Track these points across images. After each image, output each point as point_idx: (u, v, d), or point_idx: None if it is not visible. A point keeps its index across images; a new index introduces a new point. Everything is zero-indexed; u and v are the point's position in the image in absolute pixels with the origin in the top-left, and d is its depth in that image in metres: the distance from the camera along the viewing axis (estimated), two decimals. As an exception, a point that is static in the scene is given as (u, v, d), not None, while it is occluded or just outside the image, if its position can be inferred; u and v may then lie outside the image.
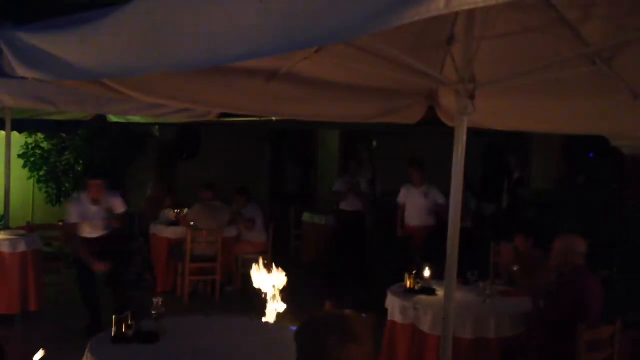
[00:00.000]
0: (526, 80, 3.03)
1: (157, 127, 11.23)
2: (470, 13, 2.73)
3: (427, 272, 4.53)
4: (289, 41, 1.71)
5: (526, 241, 4.85)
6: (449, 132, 3.00)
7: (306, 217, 10.13)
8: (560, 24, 2.74)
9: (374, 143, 13.13)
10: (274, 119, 7.59)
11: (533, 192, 9.29)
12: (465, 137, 2.87)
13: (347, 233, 8.74)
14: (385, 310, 4.39)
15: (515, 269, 4.67)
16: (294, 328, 1.90)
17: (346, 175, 9.03)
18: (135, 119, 7.78)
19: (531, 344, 4.06)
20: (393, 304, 4.32)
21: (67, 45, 2.45)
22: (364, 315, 3.49)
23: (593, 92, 3.25)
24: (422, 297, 4.32)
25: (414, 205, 7.23)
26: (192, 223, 7.33)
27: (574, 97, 3.39)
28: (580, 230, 4.58)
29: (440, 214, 6.92)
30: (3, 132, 9.19)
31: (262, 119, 7.84)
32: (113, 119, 8.05)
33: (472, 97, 2.80)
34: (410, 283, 4.46)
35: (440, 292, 4.33)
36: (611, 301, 4.08)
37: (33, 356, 2.48)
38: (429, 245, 6.83)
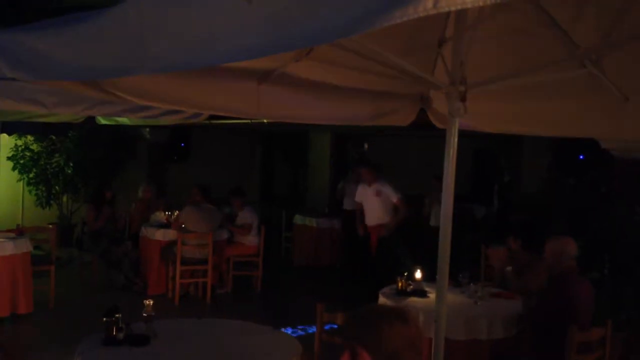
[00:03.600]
0: (516, 82, 3.04)
1: (147, 129, 11.20)
2: (461, 15, 2.74)
3: (418, 274, 4.53)
4: (278, 42, 1.70)
5: (516, 243, 4.87)
6: (440, 135, 3.00)
7: (297, 219, 10.12)
8: (550, 26, 2.75)
9: (365, 145, 13.15)
10: (265, 121, 7.59)
11: (523, 194, 9.34)
12: (456, 140, 2.87)
13: (353, 231, 8.75)
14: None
15: (509, 269, 4.68)
16: (288, 330, 1.93)
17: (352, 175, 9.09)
18: (124, 121, 7.74)
19: (523, 345, 4.07)
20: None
21: (55, 46, 2.44)
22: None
23: (583, 94, 3.26)
24: (414, 299, 4.32)
25: (367, 204, 7.16)
26: (182, 225, 7.30)
27: (564, 100, 3.40)
28: (570, 232, 4.60)
29: (399, 212, 6.91)
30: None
31: (253, 121, 7.82)
32: (102, 121, 8.00)
33: (463, 99, 2.80)
34: (402, 285, 4.46)
35: (431, 294, 4.33)
36: (601, 302, 4.10)
37: (22, 358, 2.45)
38: (384, 243, 6.82)
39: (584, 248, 4.10)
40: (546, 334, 3.88)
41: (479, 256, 6.03)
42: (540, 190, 8.89)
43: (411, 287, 4.45)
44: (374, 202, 6.96)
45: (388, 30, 1.47)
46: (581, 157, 9.17)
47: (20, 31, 2.62)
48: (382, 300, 4.37)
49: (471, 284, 4.45)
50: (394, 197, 6.91)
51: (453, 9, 1.42)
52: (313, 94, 3.64)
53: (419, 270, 4.52)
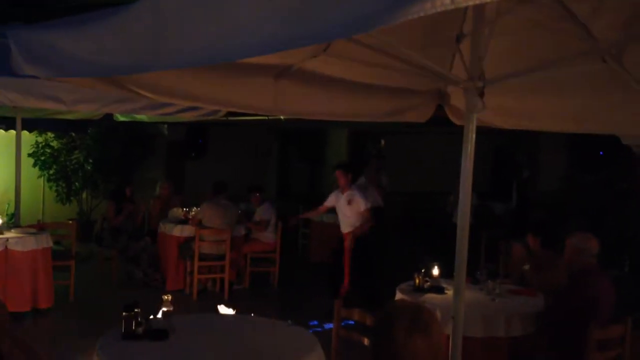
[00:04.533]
0: (535, 77, 3.01)
1: (165, 126, 11.28)
2: (479, 10, 2.72)
3: (435, 271, 4.51)
4: (296, 37, 1.70)
5: (535, 240, 4.83)
6: (459, 132, 2.98)
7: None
8: (569, 20, 2.72)
9: (382, 142, 13.12)
10: (282, 117, 7.60)
11: (541, 191, 9.27)
12: (474, 136, 2.85)
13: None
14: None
15: (527, 267, 4.64)
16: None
17: (366, 169, 9.02)
18: (142, 117, 7.81)
19: (541, 343, 4.04)
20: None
21: (74, 43, 2.47)
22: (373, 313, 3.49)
23: (603, 89, 3.23)
24: (431, 296, 4.31)
25: (340, 211, 6.89)
26: (200, 222, 7.36)
27: (584, 95, 3.36)
28: (588, 228, 4.55)
29: (363, 223, 6.66)
30: (13, 131, 9.25)
31: (270, 117, 7.86)
32: (120, 118, 8.08)
33: (481, 94, 2.78)
34: (419, 281, 4.44)
35: (449, 291, 4.31)
36: (621, 300, 4.05)
37: (46, 352, 2.49)
38: (356, 250, 6.60)
39: (603, 245, 4.05)
40: (565, 332, 3.84)
41: (497, 253, 5.99)
42: (558, 187, 8.81)
43: (428, 283, 4.44)
44: (347, 210, 6.74)
45: (405, 26, 1.46)
46: (601, 153, 9.07)
47: (41, 29, 2.66)
48: (399, 296, 4.36)
49: (489, 281, 4.41)
50: (362, 206, 6.67)
51: (471, 3, 1.41)
52: (330, 90, 3.64)
53: (436, 267, 4.49)
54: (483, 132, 2.87)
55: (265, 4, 1.76)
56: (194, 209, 7.81)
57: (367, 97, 3.80)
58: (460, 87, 2.97)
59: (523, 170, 10.65)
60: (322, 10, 1.61)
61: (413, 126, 4.86)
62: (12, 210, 7.82)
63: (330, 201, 7.07)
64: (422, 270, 4.47)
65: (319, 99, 3.75)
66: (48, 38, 2.57)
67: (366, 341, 3.58)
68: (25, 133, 8.99)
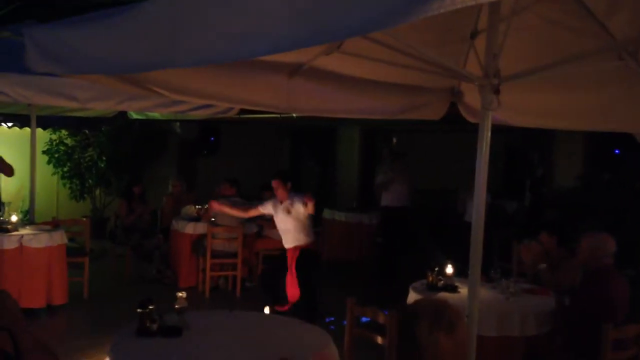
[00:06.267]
0: (551, 74, 2.98)
1: (178, 123, 11.32)
2: (495, 6, 2.70)
3: (449, 269, 4.49)
4: (311, 35, 1.70)
5: (551, 239, 4.79)
6: (471, 129, 2.97)
7: (326, 213, 10.12)
8: (585, 17, 2.69)
9: (394, 140, 13.08)
10: (294, 115, 7.60)
11: (556, 190, 9.19)
12: (489, 134, 2.83)
13: (394, 230, 8.64)
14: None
15: (542, 266, 4.60)
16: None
17: (383, 165, 8.97)
18: (155, 115, 7.84)
19: (556, 342, 4.01)
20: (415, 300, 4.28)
21: (88, 41, 2.48)
22: (386, 311, 3.48)
23: (619, 87, 3.20)
24: (444, 295, 4.28)
25: (279, 224, 6.01)
26: (213, 219, 7.38)
27: (600, 93, 3.33)
28: (605, 228, 4.51)
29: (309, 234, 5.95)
30: (28, 129, 9.33)
31: (282, 115, 7.85)
32: (134, 115, 8.12)
33: (497, 92, 2.76)
34: (432, 280, 4.43)
35: (462, 290, 4.29)
36: (637, 300, 4.02)
37: (60, 348, 2.50)
38: (300, 266, 5.82)
39: (619, 245, 4.01)
40: (581, 331, 3.81)
41: (510, 252, 5.95)
42: (573, 186, 8.73)
43: (442, 282, 4.42)
44: (287, 222, 5.88)
45: (418, 23, 1.45)
46: (616, 151, 8.99)
47: (56, 27, 2.67)
48: (412, 295, 4.35)
49: (503, 280, 4.39)
50: (303, 209, 5.78)
51: (488, 0, 1.40)
52: (343, 87, 3.63)
53: (449, 265, 4.47)
54: (495, 130, 2.85)
55: (281, 2, 1.76)
56: (207, 206, 7.82)
57: (381, 94, 3.79)
58: (474, 85, 2.95)
59: (536, 168, 10.57)
60: (338, 7, 1.60)
61: (425, 124, 4.81)
62: (26, 207, 7.89)
63: (266, 208, 6.14)
64: (436, 269, 4.45)
65: (332, 97, 3.75)
66: (63, 36, 2.59)
67: (379, 339, 3.57)
68: (39, 130, 9.04)
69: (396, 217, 8.58)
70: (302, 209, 5.79)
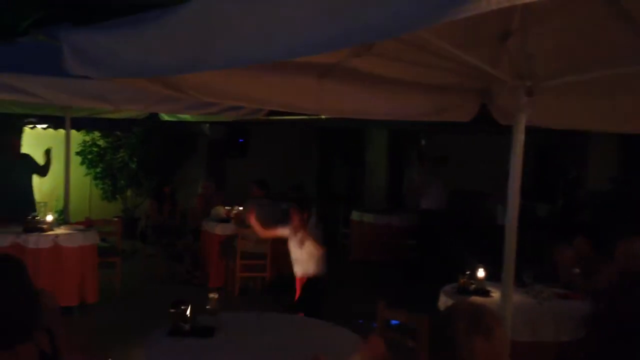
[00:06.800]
0: (586, 76, 2.93)
1: (207, 125, 11.42)
2: (528, 6, 2.65)
3: (481, 273, 4.43)
4: (343, 37, 1.69)
5: (586, 243, 4.70)
6: (501, 131, 2.93)
7: (355, 215, 10.12)
8: (621, 18, 2.63)
9: (423, 142, 13.00)
10: (322, 117, 7.60)
11: (590, 192, 9.01)
12: (523, 136, 2.80)
13: (431, 233, 8.64)
14: (438, 311, 4.33)
15: (576, 271, 4.52)
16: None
17: (413, 167, 8.94)
18: (185, 117, 7.92)
19: (591, 348, 3.93)
20: (446, 304, 4.25)
21: (123, 44, 2.52)
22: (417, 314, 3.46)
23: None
24: (476, 299, 4.24)
25: (292, 252, 5.72)
26: (242, 220, 7.43)
27: (636, 95, 3.26)
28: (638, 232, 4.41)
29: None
30: (62, 130, 9.52)
31: (311, 117, 7.87)
32: (165, 117, 8.22)
33: (530, 94, 2.72)
34: (464, 283, 4.38)
35: (494, 294, 4.24)
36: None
37: (91, 347, 2.54)
38: (305, 294, 5.63)
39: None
40: (617, 337, 3.73)
41: (542, 255, 5.85)
42: (608, 189, 8.55)
43: (473, 285, 4.37)
44: (298, 253, 5.70)
45: (449, 23, 1.44)
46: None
47: (92, 30, 2.72)
48: (443, 299, 4.31)
49: (536, 284, 4.32)
50: (316, 250, 5.51)
51: (527, 0, 1.38)
52: (374, 89, 3.62)
53: (481, 269, 4.42)
54: (526, 131, 2.81)
55: (312, 4, 1.76)
56: (236, 207, 7.88)
57: (411, 95, 3.77)
58: (506, 86, 2.91)
59: (569, 170, 10.39)
60: (371, 8, 1.59)
61: (454, 125, 4.74)
62: (60, 206, 8.05)
63: (284, 231, 5.83)
64: (467, 272, 4.41)
65: (362, 98, 3.73)
66: (99, 39, 2.63)
67: (410, 342, 3.55)
68: (73, 132, 9.22)
69: (434, 220, 8.56)
70: (315, 250, 5.50)
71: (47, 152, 7.13)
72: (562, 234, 6.26)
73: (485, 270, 4.44)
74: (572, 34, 2.90)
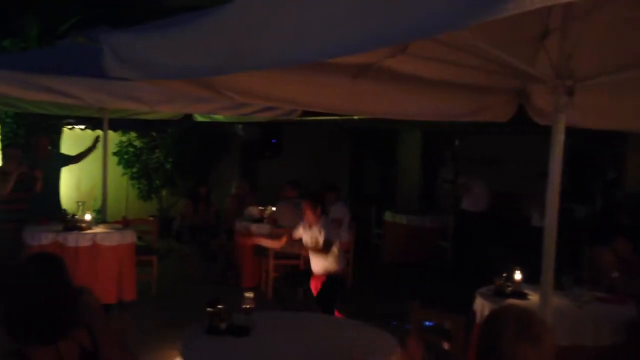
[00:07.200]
0: (627, 75, 2.86)
1: (240, 126, 11.51)
2: (568, 4, 2.60)
3: (518, 275, 4.36)
4: (379, 37, 1.68)
5: (626, 245, 4.58)
6: (537, 132, 2.88)
7: (387, 216, 10.08)
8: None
9: (456, 143, 12.87)
10: (355, 117, 7.59)
11: (630, 193, 8.80)
12: (562, 136, 2.75)
13: (466, 234, 8.61)
14: (474, 313, 4.28)
15: (616, 275, 4.41)
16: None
17: (446, 168, 8.89)
18: (219, 118, 7.99)
19: (632, 352, 3.83)
20: (482, 307, 4.19)
21: (160, 46, 2.55)
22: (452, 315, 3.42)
23: None
24: (513, 301, 4.17)
25: (308, 247, 5.74)
26: (276, 221, 7.46)
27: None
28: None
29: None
30: (99, 131, 9.71)
31: (343, 117, 7.86)
32: (199, 118, 8.31)
33: (570, 93, 2.67)
34: (500, 286, 4.31)
35: (532, 297, 4.16)
36: None
37: (131, 344, 2.58)
38: (324, 292, 5.57)
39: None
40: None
41: (581, 258, 5.75)
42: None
43: (510, 288, 4.29)
44: (314, 242, 5.64)
45: (487, 22, 1.42)
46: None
47: (131, 32, 2.76)
48: (479, 301, 4.26)
49: (575, 287, 4.22)
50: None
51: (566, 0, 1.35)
52: (409, 89, 3.59)
53: (518, 271, 4.35)
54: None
55: (347, 5, 1.75)
56: (269, 207, 7.92)
57: (447, 96, 3.74)
58: (544, 86, 2.86)
59: (608, 171, 10.16)
60: (408, 9, 1.58)
61: (488, 126, 4.68)
62: (98, 206, 8.20)
63: (298, 233, 5.89)
64: (504, 274, 4.34)
65: (397, 99, 3.71)
66: (138, 42, 2.67)
67: (446, 345, 3.52)
68: (110, 132, 9.41)
69: (471, 221, 8.50)
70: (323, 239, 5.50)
71: (96, 140, 7.27)
72: (601, 235, 6.13)
73: (522, 272, 4.36)
74: (612, 33, 2.84)
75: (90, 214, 6.60)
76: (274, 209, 7.81)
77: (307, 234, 5.73)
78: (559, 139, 2.73)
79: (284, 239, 6.05)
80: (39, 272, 2.12)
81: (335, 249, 5.63)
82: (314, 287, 5.74)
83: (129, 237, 6.50)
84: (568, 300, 4.17)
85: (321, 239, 5.55)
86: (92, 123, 10.25)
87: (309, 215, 5.65)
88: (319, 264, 5.70)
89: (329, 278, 5.62)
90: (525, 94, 3.86)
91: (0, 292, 2.03)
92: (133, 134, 10.98)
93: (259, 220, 7.86)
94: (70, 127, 10.21)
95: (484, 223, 8.58)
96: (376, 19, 1.66)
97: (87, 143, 7.83)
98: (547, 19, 3.05)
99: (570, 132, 2.79)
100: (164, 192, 11.29)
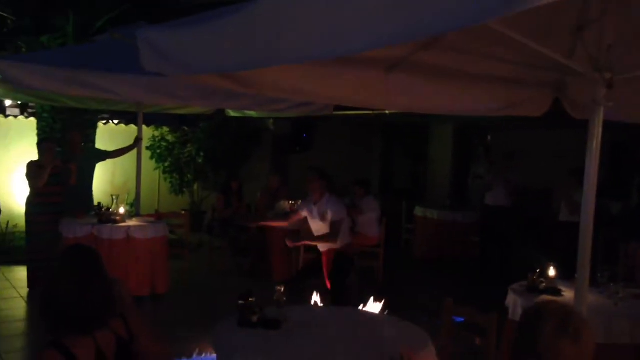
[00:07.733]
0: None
1: (271, 120, 11.57)
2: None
3: (552, 271, 4.30)
4: (411, 29, 1.67)
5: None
6: (571, 126, 2.82)
7: (418, 211, 10.03)
8: None
9: (489, 138, 12.71)
10: (386, 112, 7.54)
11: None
12: (600, 130, 2.69)
13: (495, 230, 8.56)
14: (506, 309, 4.23)
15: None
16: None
17: (479, 163, 8.84)
18: (252, 113, 8.03)
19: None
20: (514, 303, 4.15)
21: (196, 42, 2.57)
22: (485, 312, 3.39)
23: None
24: (546, 297, 4.11)
25: (313, 225, 5.78)
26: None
27: None
28: None
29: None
30: (133, 126, 9.87)
31: (375, 112, 7.82)
32: (231, 113, 8.37)
33: (610, 86, 2.62)
34: (534, 282, 4.25)
35: (566, 293, 4.10)
36: None
37: (164, 336, 2.63)
38: (334, 271, 5.61)
39: None
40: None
41: (617, 254, 5.64)
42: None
43: (543, 284, 4.23)
44: (319, 225, 5.62)
45: (522, 13, 1.40)
46: None
47: (167, 28, 2.79)
48: (511, 297, 4.21)
49: (611, 284, 4.14)
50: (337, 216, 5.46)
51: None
52: (442, 83, 3.56)
53: (552, 267, 4.28)
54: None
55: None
56: (299, 201, 7.93)
57: (481, 90, 3.69)
58: (582, 79, 2.81)
59: (645, 166, 9.95)
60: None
61: (521, 120, 4.58)
62: (132, 199, 8.34)
63: (303, 211, 5.87)
64: (537, 271, 4.28)
65: (430, 93, 3.68)
66: (173, 37, 2.70)
67: (478, 340, 3.49)
68: (143, 127, 9.55)
69: (497, 216, 8.42)
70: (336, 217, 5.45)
71: (137, 140, 7.37)
72: (636, 232, 6.00)
73: (555, 268, 4.30)
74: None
75: (124, 208, 6.72)
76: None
77: (313, 214, 5.67)
78: (597, 132, 2.68)
79: (291, 219, 6.12)
80: (76, 265, 2.18)
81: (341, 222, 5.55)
82: (324, 261, 5.72)
83: (162, 230, 6.60)
84: (603, 297, 4.09)
85: (328, 220, 5.51)
86: (125, 118, 10.43)
87: (316, 187, 5.57)
88: (325, 245, 5.70)
89: (337, 256, 5.65)
90: (562, 88, 3.80)
91: (39, 284, 2.09)
92: (165, 129, 11.13)
93: (290, 213, 7.88)
94: (104, 122, 10.40)
95: (507, 218, 8.48)
96: (409, 10, 1.65)
97: (121, 137, 7.97)
98: (584, 10, 2.99)
99: (606, 126, 2.73)
100: (195, 187, 11.42)
